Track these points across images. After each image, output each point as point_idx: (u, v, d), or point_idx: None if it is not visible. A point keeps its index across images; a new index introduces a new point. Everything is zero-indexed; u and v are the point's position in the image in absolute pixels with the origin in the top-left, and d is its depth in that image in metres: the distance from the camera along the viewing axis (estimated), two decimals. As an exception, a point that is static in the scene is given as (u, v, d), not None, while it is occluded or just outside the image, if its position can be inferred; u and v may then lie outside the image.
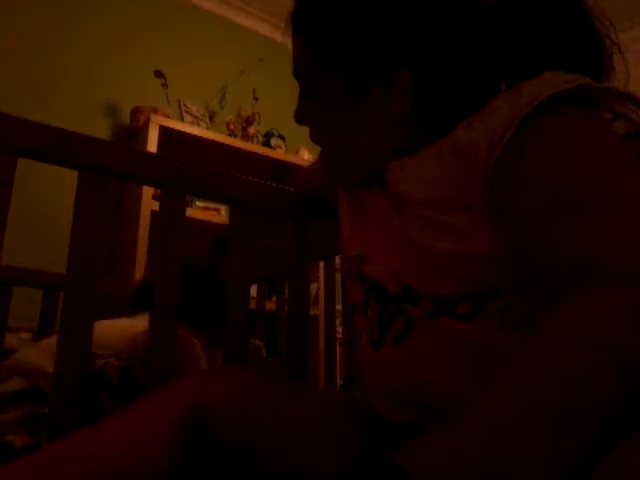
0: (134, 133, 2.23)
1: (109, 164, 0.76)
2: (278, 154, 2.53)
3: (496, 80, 0.56)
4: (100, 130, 2.28)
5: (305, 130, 0.65)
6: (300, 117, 0.63)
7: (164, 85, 2.29)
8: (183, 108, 2.38)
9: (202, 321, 1.22)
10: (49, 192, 2.04)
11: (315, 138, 0.64)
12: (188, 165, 0.85)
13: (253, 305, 1.29)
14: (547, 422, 0.33)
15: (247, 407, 0.51)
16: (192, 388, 0.51)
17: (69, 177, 0.82)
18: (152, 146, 2.08)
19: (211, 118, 2.47)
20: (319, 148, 0.67)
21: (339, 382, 1.24)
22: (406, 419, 0.52)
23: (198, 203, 2.22)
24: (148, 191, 2.06)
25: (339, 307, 1.12)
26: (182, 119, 2.34)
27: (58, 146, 0.73)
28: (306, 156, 2.66)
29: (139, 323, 1.13)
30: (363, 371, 0.59)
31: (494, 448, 0.33)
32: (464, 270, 0.50)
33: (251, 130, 2.53)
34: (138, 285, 1.38)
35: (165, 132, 2.14)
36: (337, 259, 1.14)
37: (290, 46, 0.60)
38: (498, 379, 0.36)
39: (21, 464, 0.47)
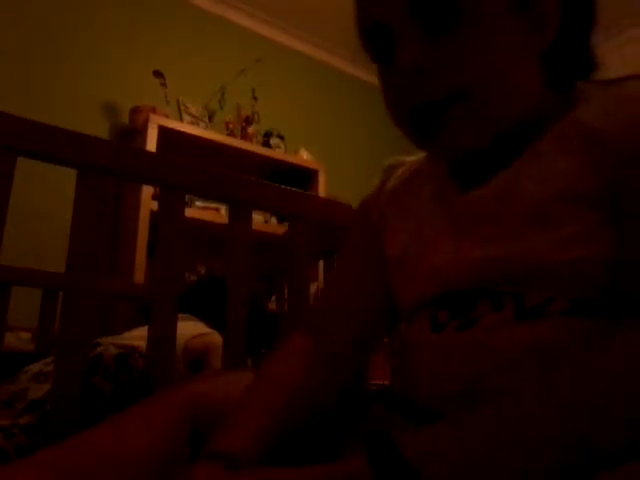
0: (133, 133, 2.23)
1: (108, 163, 0.76)
2: (277, 154, 2.53)
3: None
4: (99, 130, 2.28)
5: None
6: (422, 54, 0.46)
7: (163, 85, 2.29)
8: (182, 108, 2.38)
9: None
10: (48, 191, 2.04)
11: (442, 81, 0.47)
12: (188, 164, 0.85)
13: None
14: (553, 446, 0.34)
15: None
16: (193, 390, 0.52)
17: (68, 176, 0.82)
18: (151, 146, 2.08)
19: (210, 118, 2.47)
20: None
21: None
22: (445, 408, 0.48)
23: (198, 203, 2.22)
24: (147, 191, 2.06)
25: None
26: (181, 119, 2.34)
27: (57, 145, 0.73)
28: (305, 156, 2.66)
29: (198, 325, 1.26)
30: (412, 354, 0.55)
31: (498, 451, 0.34)
32: (580, 276, 0.45)
33: (250, 130, 2.54)
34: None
35: (164, 132, 2.14)
36: (337, 259, 1.14)
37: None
38: (529, 386, 0.37)
39: (34, 460, 0.48)
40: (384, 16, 0.48)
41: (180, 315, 0.98)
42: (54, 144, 0.73)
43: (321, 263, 1.93)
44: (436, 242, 0.54)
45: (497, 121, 0.49)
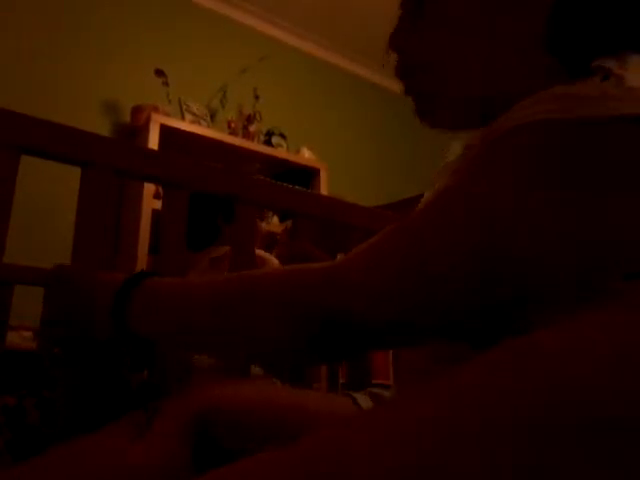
0: (135, 132, 2.22)
1: (112, 161, 0.76)
2: (279, 153, 2.53)
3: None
4: (101, 129, 2.28)
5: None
6: (398, 36, 0.52)
7: (165, 84, 2.29)
8: (184, 107, 2.38)
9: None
10: (50, 189, 2.04)
11: (413, 60, 0.51)
12: (193, 162, 0.85)
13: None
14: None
15: (254, 414, 0.52)
16: (203, 396, 0.52)
17: (72, 174, 0.82)
18: (153, 144, 2.08)
19: (212, 117, 2.47)
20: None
21: (340, 381, 1.24)
22: None
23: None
24: (149, 190, 2.06)
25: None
26: (183, 118, 2.34)
27: (62, 143, 0.72)
28: (307, 155, 2.66)
29: None
30: None
31: None
32: None
33: (252, 129, 2.53)
34: None
35: (166, 131, 2.14)
36: (338, 257, 1.14)
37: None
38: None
39: (40, 462, 0.48)
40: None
41: None
42: (58, 142, 0.72)
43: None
44: None
45: (461, 100, 0.50)
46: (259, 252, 1.41)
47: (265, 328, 0.45)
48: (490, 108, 0.46)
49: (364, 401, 0.62)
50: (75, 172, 0.76)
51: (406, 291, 0.39)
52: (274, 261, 1.38)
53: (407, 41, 0.51)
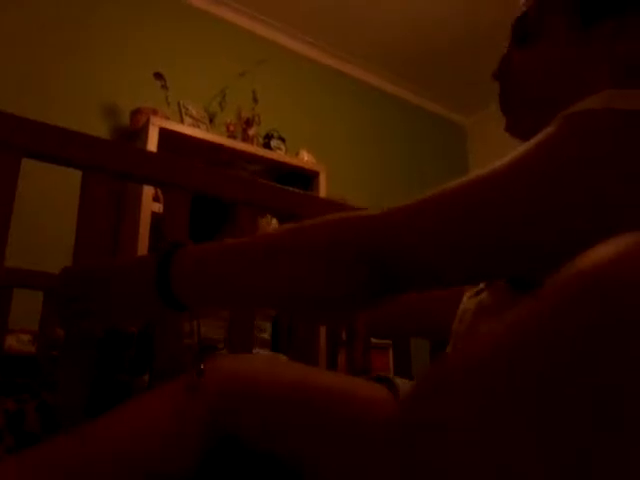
0: (134, 135, 2.22)
1: (113, 164, 0.76)
2: (278, 156, 2.53)
3: None
4: (100, 132, 2.28)
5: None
6: (505, 65, 0.65)
7: (164, 87, 2.29)
8: (183, 110, 2.38)
9: None
10: (50, 192, 2.04)
11: (516, 87, 0.64)
12: (192, 165, 0.85)
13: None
14: None
15: (276, 402, 0.49)
16: (220, 369, 0.52)
17: (71, 178, 0.82)
18: (152, 148, 2.08)
19: (211, 120, 2.47)
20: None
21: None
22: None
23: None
24: (148, 192, 2.06)
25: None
26: (182, 121, 2.34)
27: (62, 146, 0.73)
28: (306, 157, 2.66)
29: None
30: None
31: None
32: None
33: (251, 132, 2.53)
34: None
35: (165, 134, 2.14)
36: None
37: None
38: None
39: (50, 447, 0.48)
40: None
41: None
42: (59, 145, 0.72)
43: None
44: None
45: (529, 113, 0.62)
46: None
47: (314, 272, 0.46)
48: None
49: (402, 384, 0.58)
50: (75, 175, 0.76)
51: (454, 230, 0.43)
52: None
53: (513, 67, 0.64)
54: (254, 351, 0.89)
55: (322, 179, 2.61)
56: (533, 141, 0.45)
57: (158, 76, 2.28)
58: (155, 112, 2.20)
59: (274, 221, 2.46)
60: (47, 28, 2.27)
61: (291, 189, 1.00)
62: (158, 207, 2.03)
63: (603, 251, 0.27)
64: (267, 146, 2.57)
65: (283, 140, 2.64)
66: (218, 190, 0.89)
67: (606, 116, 0.43)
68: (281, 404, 0.48)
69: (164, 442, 0.48)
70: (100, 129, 2.29)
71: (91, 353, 0.72)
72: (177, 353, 0.80)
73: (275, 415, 0.48)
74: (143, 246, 1.97)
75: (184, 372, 0.54)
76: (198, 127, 2.36)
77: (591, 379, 0.24)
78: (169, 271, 0.53)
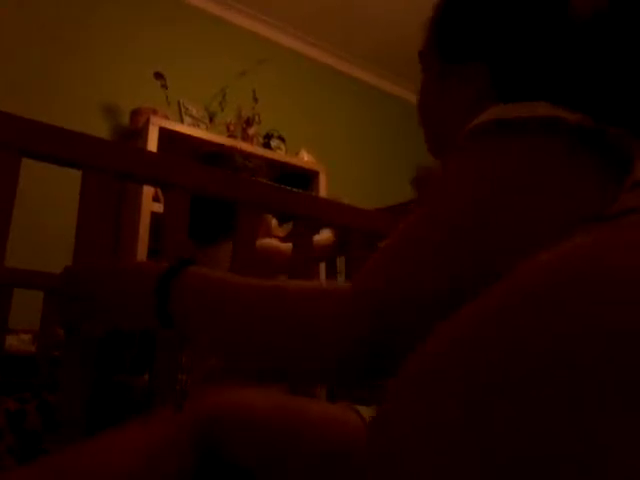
0: (134, 134, 2.23)
1: (113, 164, 0.76)
2: (278, 155, 2.54)
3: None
4: (100, 131, 2.28)
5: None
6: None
7: (164, 86, 2.30)
8: (183, 109, 2.38)
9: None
10: (50, 192, 2.04)
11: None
12: (192, 164, 0.85)
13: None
14: None
15: (260, 421, 0.52)
16: (206, 404, 0.52)
17: (71, 177, 0.82)
18: (152, 147, 2.08)
19: (211, 119, 2.47)
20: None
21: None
22: None
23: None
24: (148, 192, 2.06)
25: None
26: (182, 120, 2.34)
27: (62, 146, 0.73)
28: (306, 157, 2.66)
29: None
30: None
31: None
32: None
33: (251, 131, 2.54)
34: None
35: (165, 133, 2.14)
36: (338, 260, 1.14)
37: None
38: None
39: (43, 465, 0.48)
40: None
41: None
42: (59, 145, 0.72)
43: (322, 264, 1.93)
44: None
45: (434, 138, 0.68)
46: (269, 242, 1.38)
47: (293, 348, 0.46)
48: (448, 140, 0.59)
49: (367, 412, 0.61)
50: (75, 175, 0.76)
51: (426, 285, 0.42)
52: (282, 246, 1.39)
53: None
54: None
55: (322, 179, 2.62)
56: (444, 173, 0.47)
57: (158, 76, 2.28)
58: (155, 112, 2.20)
59: (274, 221, 2.46)
60: (47, 28, 2.27)
61: (289, 188, 1.00)
62: (158, 207, 2.04)
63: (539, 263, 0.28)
64: (267, 146, 2.57)
65: (283, 140, 2.64)
66: (218, 190, 0.89)
67: (495, 127, 0.44)
68: (264, 429, 0.51)
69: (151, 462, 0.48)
70: (100, 129, 2.29)
71: (92, 353, 0.72)
72: (178, 353, 0.80)
73: (259, 439, 0.51)
74: (143, 246, 1.97)
75: (184, 372, 0.55)
76: (198, 127, 2.36)
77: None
78: (170, 285, 0.53)
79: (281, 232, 2.27)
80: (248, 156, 2.39)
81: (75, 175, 0.76)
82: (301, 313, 0.46)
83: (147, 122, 2.12)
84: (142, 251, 1.97)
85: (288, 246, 1.44)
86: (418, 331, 0.38)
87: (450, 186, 0.45)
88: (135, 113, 2.25)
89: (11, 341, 1.51)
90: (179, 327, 0.54)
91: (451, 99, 0.63)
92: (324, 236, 1.19)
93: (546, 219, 0.41)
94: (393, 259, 0.44)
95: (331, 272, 1.13)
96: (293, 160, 2.58)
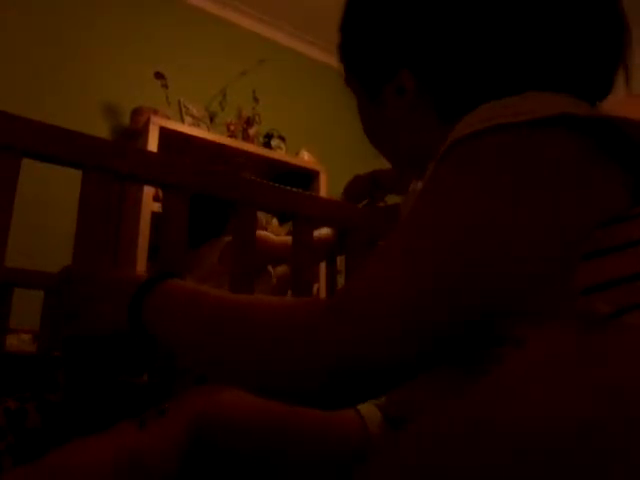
0: (134, 134, 2.23)
1: (113, 164, 0.76)
2: (278, 155, 2.54)
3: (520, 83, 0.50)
4: (100, 131, 2.28)
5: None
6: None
7: (164, 86, 2.30)
8: (183, 109, 2.38)
9: None
10: (49, 192, 2.04)
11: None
12: (193, 164, 0.85)
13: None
14: None
15: (252, 420, 0.52)
16: (202, 401, 0.52)
17: (71, 177, 0.82)
18: (152, 147, 2.08)
19: (211, 119, 2.47)
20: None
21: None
22: None
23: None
24: (148, 192, 2.06)
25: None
26: (182, 120, 2.34)
27: (63, 146, 0.73)
28: (306, 157, 2.66)
29: None
30: None
31: None
32: None
33: (251, 131, 2.54)
34: None
35: (165, 133, 2.14)
36: (338, 260, 1.14)
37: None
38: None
39: (42, 465, 0.48)
40: None
41: None
42: (59, 145, 0.72)
43: (322, 264, 1.92)
44: None
45: (393, 159, 0.72)
46: (257, 232, 1.41)
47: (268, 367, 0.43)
48: (419, 159, 0.60)
49: (365, 409, 0.61)
50: (75, 175, 0.76)
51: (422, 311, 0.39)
52: (271, 236, 1.43)
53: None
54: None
55: (322, 178, 2.62)
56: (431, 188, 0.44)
57: (158, 75, 2.28)
58: (155, 111, 2.20)
59: (274, 221, 2.46)
60: (47, 28, 2.27)
61: (290, 188, 1.00)
62: (158, 207, 2.04)
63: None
64: (267, 145, 2.57)
65: (283, 139, 2.64)
66: (218, 190, 0.90)
67: (492, 137, 0.42)
68: (259, 429, 0.51)
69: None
70: (100, 129, 2.29)
71: (93, 352, 0.72)
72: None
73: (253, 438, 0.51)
74: (143, 246, 1.97)
75: (183, 372, 0.55)
76: (198, 126, 2.36)
77: None
78: (145, 298, 0.52)
79: (281, 232, 2.27)
80: (248, 156, 2.40)
81: (75, 175, 0.76)
82: (274, 324, 0.43)
83: (147, 122, 2.12)
84: (142, 251, 1.97)
85: (280, 238, 1.45)
86: (403, 347, 0.38)
87: (455, 198, 0.41)
88: (135, 113, 2.25)
89: (11, 341, 1.51)
90: (153, 341, 0.53)
91: (393, 117, 0.61)
92: (323, 231, 1.19)
93: (570, 223, 0.39)
94: (387, 270, 0.41)
95: (331, 272, 1.13)
96: (293, 160, 2.58)
